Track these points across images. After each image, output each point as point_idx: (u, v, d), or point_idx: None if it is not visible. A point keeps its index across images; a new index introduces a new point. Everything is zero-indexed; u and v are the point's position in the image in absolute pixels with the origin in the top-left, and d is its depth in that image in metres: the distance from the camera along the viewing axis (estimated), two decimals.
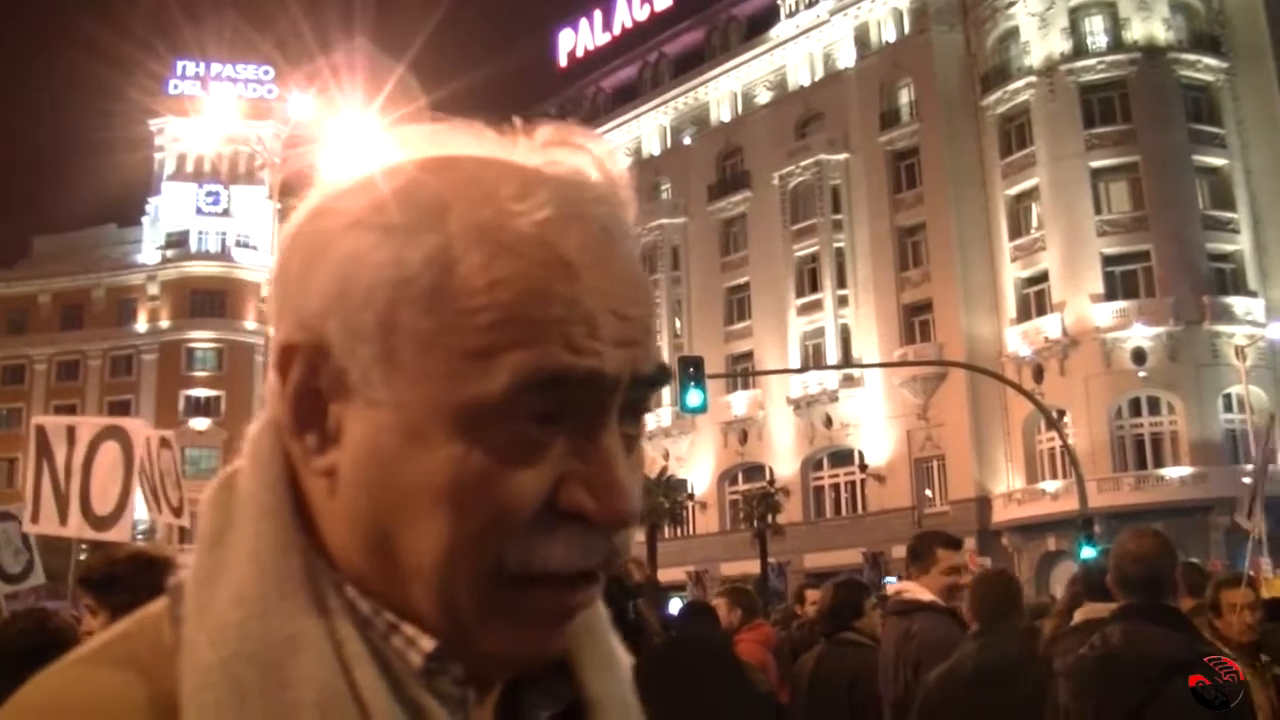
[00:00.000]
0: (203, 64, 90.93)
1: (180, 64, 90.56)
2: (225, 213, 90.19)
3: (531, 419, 0.82)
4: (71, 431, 8.34)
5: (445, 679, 0.86)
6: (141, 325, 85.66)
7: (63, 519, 8.40)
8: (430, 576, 0.83)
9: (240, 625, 0.82)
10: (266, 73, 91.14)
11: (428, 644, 0.85)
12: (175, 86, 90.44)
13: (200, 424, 78.02)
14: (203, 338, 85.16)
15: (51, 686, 0.86)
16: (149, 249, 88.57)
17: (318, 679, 0.81)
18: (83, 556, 9.14)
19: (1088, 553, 23.85)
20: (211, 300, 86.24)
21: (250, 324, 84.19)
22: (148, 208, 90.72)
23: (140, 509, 9.83)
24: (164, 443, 11.25)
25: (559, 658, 0.94)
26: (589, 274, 0.83)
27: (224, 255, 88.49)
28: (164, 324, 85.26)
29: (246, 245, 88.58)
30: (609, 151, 0.93)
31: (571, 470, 0.83)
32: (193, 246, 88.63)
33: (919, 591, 6.38)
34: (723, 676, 5.37)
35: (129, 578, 4.40)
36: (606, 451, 0.84)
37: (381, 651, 0.84)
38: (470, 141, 0.90)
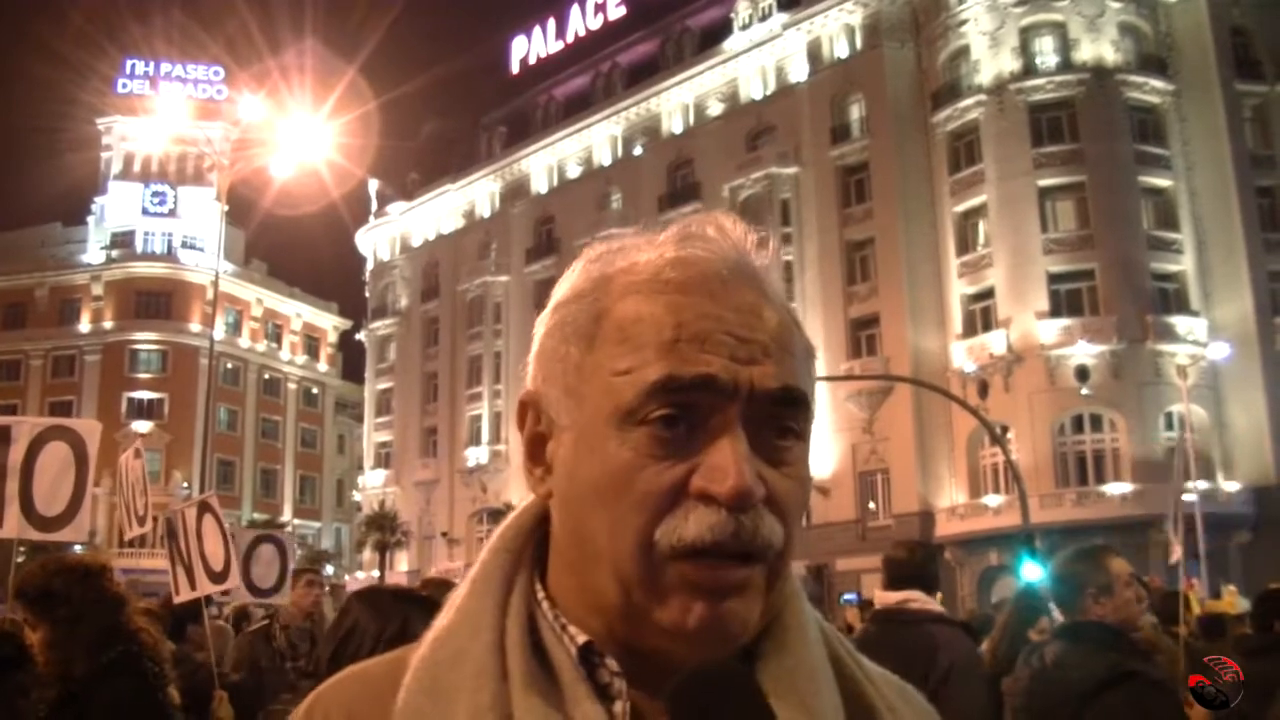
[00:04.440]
0: (152, 63, 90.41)
1: (129, 63, 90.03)
2: (172, 213, 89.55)
3: (660, 422, 1.06)
4: (6, 431, 8.18)
5: (603, 670, 1.11)
6: (85, 326, 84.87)
7: None
8: (604, 556, 1.08)
9: (451, 625, 1.15)
10: (216, 73, 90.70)
11: (581, 638, 1.12)
12: (124, 85, 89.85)
13: (143, 426, 77.30)
14: (147, 339, 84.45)
15: (341, 675, 1.23)
16: (94, 249, 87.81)
17: (479, 660, 1.10)
18: (20, 559, 9.01)
19: (1029, 567, 24.01)
20: (156, 301, 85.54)
21: (195, 326, 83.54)
22: (93, 207, 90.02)
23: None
24: (136, 453, 11.18)
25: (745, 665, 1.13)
26: (702, 303, 1.09)
27: (170, 256, 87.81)
28: (107, 325, 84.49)
29: (193, 247, 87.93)
30: (735, 221, 1.18)
31: (699, 461, 1.06)
32: (138, 247, 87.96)
33: (928, 602, 6.20)
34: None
35: (66, 592, 4.33)
36: (724, 444, 1.06)
37: (552, 647, 1.12)
38: (631, 244, 1.18)
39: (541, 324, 1.20)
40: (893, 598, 6.32)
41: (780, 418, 1.11)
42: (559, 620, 1.14)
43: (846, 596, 21.85)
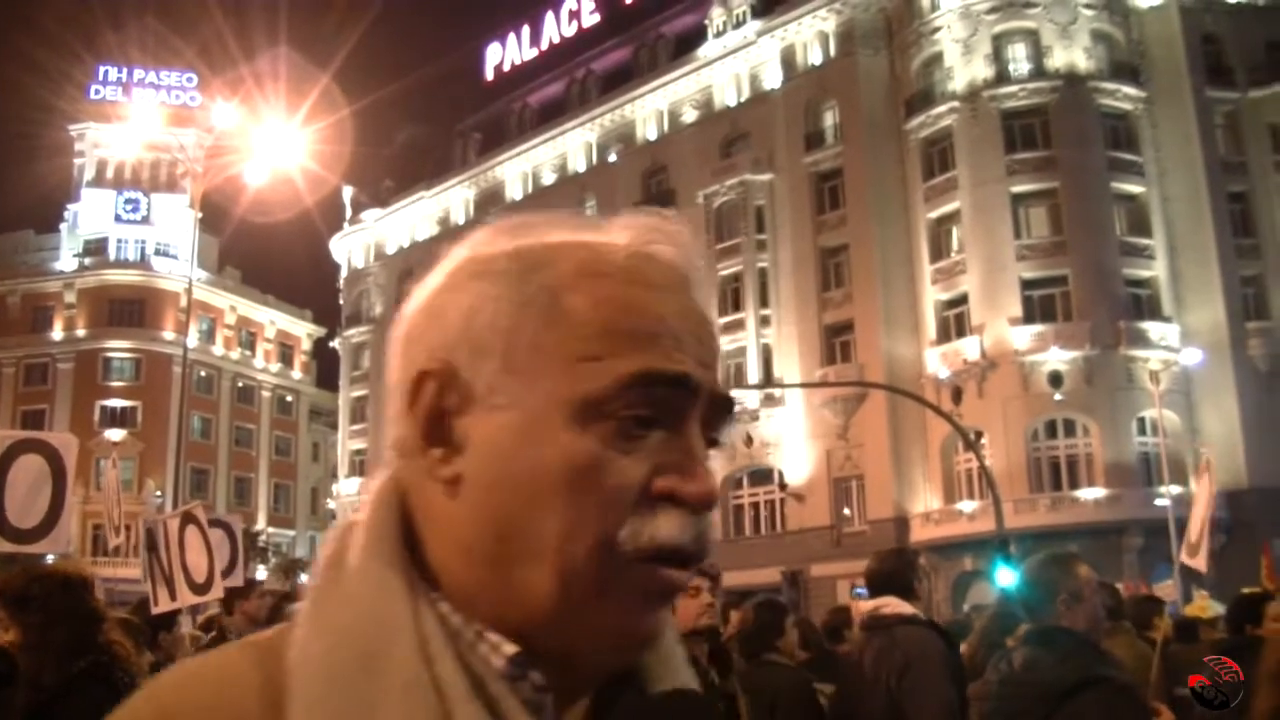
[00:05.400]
0: (125, 70, 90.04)
1: (102, 69, 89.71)
2: (145, 220, 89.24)
3: (630, 416, 0.99)
4: None
5: (525, 684, 1.00)
6: (58, 333, 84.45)
7: None
8: (553, 553, 0.98)
9: (345, 624, 0.99)
10: (190, 80, 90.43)
11: (509, 649, 1.00)
12: (97, 92, 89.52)
13: (116, 435, 76.94)
14: (120, 347, 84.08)
15: (188, 667, 1.06)
16: (66, 256, 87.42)
17: (404, 668, 0.96)
18: None
19: (1003, 572, 24.10)
20: (130, 309, 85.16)
21: (168, 334, 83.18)
22: (66, 214, 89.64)
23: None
24: (113, 464, 11.23)
25: (640, 684, 1.10)
26: (672, 299, 1.05)
27: (143, 264, 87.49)
28: (81, 332, 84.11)
29: (166, 254, 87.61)
30: (677, 222, 1.13)
31: (664, 460, 1.00)
32: (111, 254, 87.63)
33: (900, 606, 6.35)
34: None
35: (44, 598, 4.37)
36: (691, 446, 1.02)
37: (465, 655, 0.99)
38: (558, 225, 1.10)
39: (452, 289, 1.09)
40: (868, 605, 6.52)
41: (716, 426, 1.08)
42: (472, 626, 1.01)
43: (858, 590, 21.67)
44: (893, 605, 6.37)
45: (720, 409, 1.08)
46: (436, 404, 1.04)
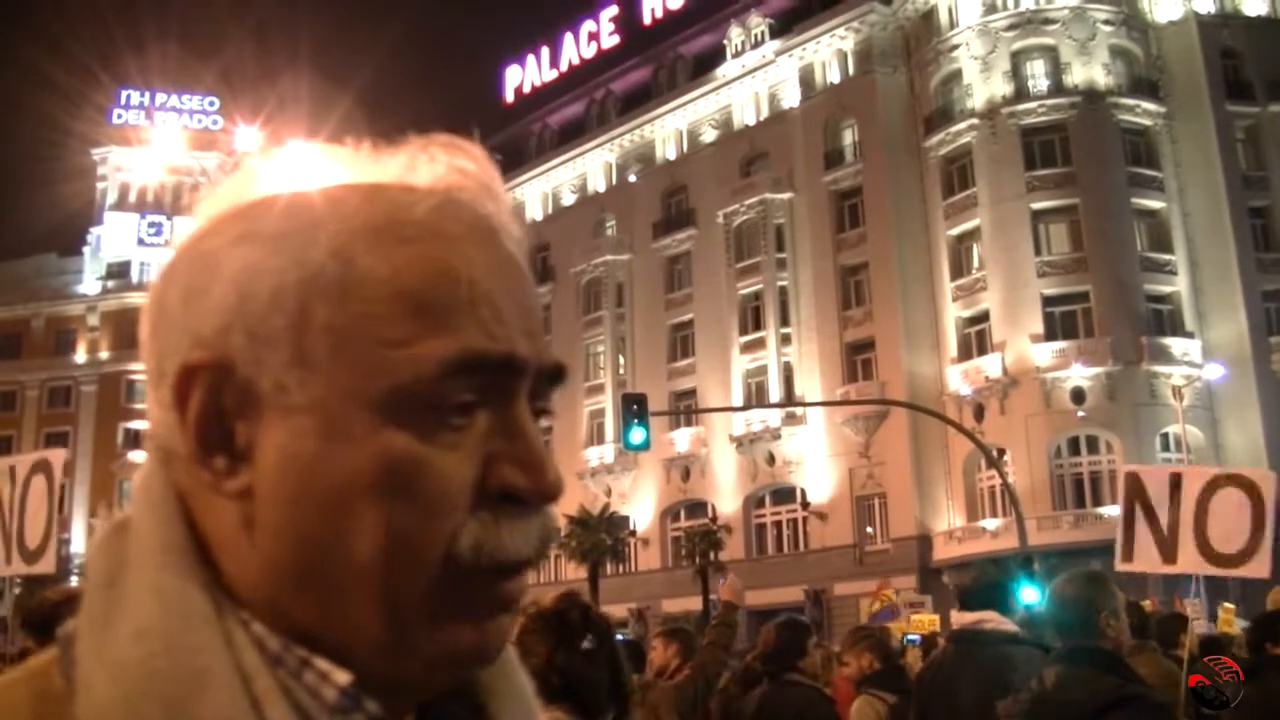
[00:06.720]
0: (147, 94, 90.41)
1: (124, 93, 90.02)
2: (168, 243, 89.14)
3: (452, 404, 0.82)
4: (12, 471, 8.17)
5: (359, 715, 0.82)
6: (81, 356, 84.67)
7: (7, 558, 8.11)
8: (371, 576, 0.81)
9: (143, 661, 0.78)
10: (211, 103, 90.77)
11: (343, 678, 0.82)
12: (119, 116, 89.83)
13: (140, 457, 76.91)
14: (143, 370, 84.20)
15: None
16: (90, 279, 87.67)
17: (227, 716, 0.78)
18: (17, 590, 9.02)
19: (1027, 590, 23.99)
20: None
21: None
22: (89, 237, 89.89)
23: (77, 541, 9.55)
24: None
25: (472, 696, 0.94)
26: (484, 256, 0.85)
27: None
28: (104, 355, 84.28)
29: None
30: (481, 153, 0.96)
31: (496, 451, 0.84)
32: (134, 277, 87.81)
33: (1003, 622, 6.11)
34: None
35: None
36: (526, 430, 0.85)
37: (292, 689, 0.81)
38: (340, 163, 0.91)
39: (215, 255, 0.87)
40: (969, 618, 6.28)
41: (544, 396, 0.90)
42: (294, 651, 0.82)
43: (910, 637, 21.12)
44: (995, 621, 6.13)
45: (548, 379, 0.89)
46: (211, 406, 0.84)
